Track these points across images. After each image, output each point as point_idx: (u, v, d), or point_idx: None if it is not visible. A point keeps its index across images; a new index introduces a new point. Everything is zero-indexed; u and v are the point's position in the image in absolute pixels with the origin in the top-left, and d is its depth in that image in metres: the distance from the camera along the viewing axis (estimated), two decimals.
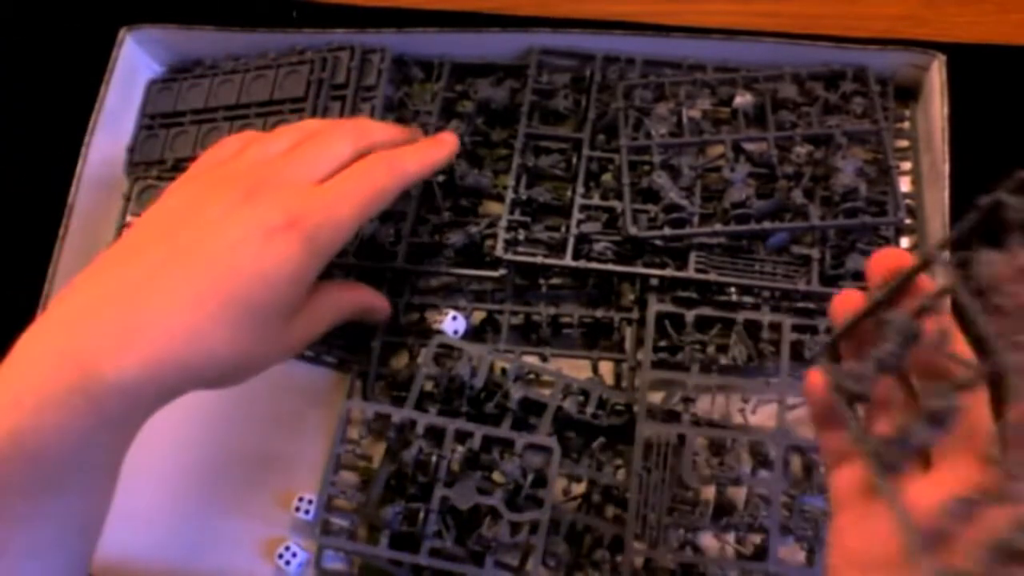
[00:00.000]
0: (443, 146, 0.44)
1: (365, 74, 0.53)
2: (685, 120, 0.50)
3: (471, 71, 0.55)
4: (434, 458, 0.42)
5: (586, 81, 0.53)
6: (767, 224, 0.47)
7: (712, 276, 0.46)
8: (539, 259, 0.48)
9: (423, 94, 0.54)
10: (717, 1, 0.60)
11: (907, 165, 0.51)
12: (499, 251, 0.48)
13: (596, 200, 0.50)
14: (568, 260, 0.48)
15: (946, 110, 0.49)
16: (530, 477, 0.42)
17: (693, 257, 0.47)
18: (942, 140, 0.49)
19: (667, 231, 0.47)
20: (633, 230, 0.47)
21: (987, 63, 0.55)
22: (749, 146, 0.49)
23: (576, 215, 0.49)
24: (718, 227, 0.47)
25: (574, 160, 0.51)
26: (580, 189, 0.49)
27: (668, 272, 0.47)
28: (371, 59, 0.53)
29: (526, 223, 0.50)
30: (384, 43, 0.53)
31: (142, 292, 0.34)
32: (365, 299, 0.45)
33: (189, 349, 0.34)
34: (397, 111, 0.54)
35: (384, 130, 0.43)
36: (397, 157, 0.41)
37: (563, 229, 0.49)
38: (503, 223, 0.49)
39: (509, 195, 0.49)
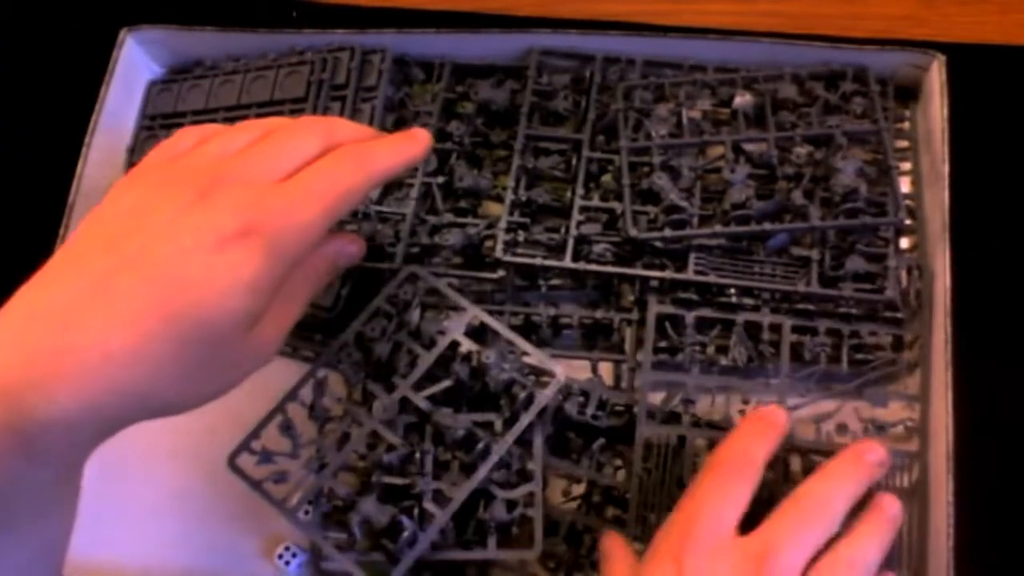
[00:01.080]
0: (416, 142, 0.39)
1: (365, 75, 0.53)
2: (685, 121, 0.50)
3: (471, 72, 0.55)
4: (418, 454, 0.43)
5: (586, 82, 0.53)
6: (767, 225, 0.47)
7: (712, 278, 0.46)
8: (538, 260, 0.48)
9: (423, 95, 0.54)
10: (717, 1, 0.60)
11: (907, 165, 0.51)
12: (498, 252, 0.48)
13: (596, 201, 0.50)
14: (567, 262, 0.48)
15: (946, 110, 0.49)
16: (516, 454, 0.42)
17: (693, 259, 0.47)
18: (942, 140, 0.49)
19: (667, 232, 0.47)
20: (633, 231, 0.47)
21: (987, 63, 0.55)
22: (749, 147, 0.49)
23: (576, 216, 0.49)
24: (718, 228, 0.47)
25: (574, 161, 0.51)
26: (580, 190, 0.49)
27: (667, 274, 0.47)
28: (371, 60, 0.53)
29: (526, 224, 0.50)
30: (384, 43, 0.53)
31: (79, 310, 0.30)
32: (336, 249, 0.40)
33: (130, 375, 0.30)
34: (397, 111, 0.54)
35: (354, 128, 0.39)
36: (366, 152, 0.37)
37: (563, 231, 0.49)
38: (502, 224, 0.49)
39: (509, 196, 0.49)
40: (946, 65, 0.50)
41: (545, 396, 0.43)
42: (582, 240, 0.48)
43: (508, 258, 0.48)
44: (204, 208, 0.32)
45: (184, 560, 0.48)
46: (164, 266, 0.31)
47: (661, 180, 0.48)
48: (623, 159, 0.49)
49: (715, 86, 0.52)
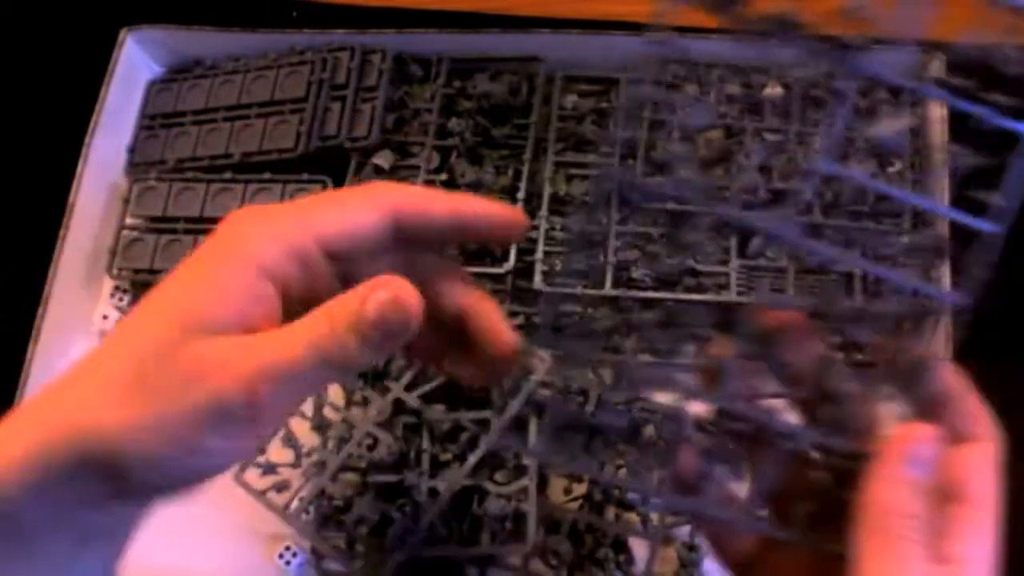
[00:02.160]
0: None
1: (365, 74, 0.53)
2: (712, 101, 0.50)
3: (470, 67, 0.55)
4: (412, 453, 0.43)
5: (611, 104, 0.53)
6: (771, 215, 0.46)
7: (752, 299, 0.46)
8: (579, 290, 0.48)
9: (422, 93, 0.54)
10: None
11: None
12: (537, 284, 0.48)
13: (631, 227, 0.49)
14: (608, 290, 0.47)
15: (946, 110, 0.49)
16: (512, 450, 0.42)
17: (734, 277, 0.47)
18: (942, 140, 0.49)
19: (670, 205, 0.47)
20: (635, 198, 0.47)
21: (987, 63, 0.55)
22: (770, 137, 0.50)
23: (613, 243, 0.48)
24: (720, 208, 0.47)
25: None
26: (615, 216, 0.49)
27: (710, 297, 0.47)
28: (372, 59, 0.53)
29: (562, 253, 0.50)
30: (384, 43, 0.53)
31: None
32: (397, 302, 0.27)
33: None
34: (397, 111, 0.54)
35: None
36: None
37: (600, 258, 0.49)
38: (539, 255, 0.49)
39: (543, 225, 0.49)
40: (946, 65, 0.50)
41: (533, 382, 0.43)
42: (620, 267, 0.48)
43: (548, 289, 0.48)
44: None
45: (184, 560, 0.48)
46: None
47: (674, 147, 0.48)
48: (643, 127, 0.49)
49: (748, 72, 0.52)
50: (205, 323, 0.25)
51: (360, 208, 0.28)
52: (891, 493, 0.27)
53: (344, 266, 0.28)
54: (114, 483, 0.26)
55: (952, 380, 0.30)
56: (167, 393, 0.25)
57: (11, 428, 0.26)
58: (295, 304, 0.27)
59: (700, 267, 0.47)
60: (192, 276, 0.27)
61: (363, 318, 0.25)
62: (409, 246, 0.30)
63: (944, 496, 0.28)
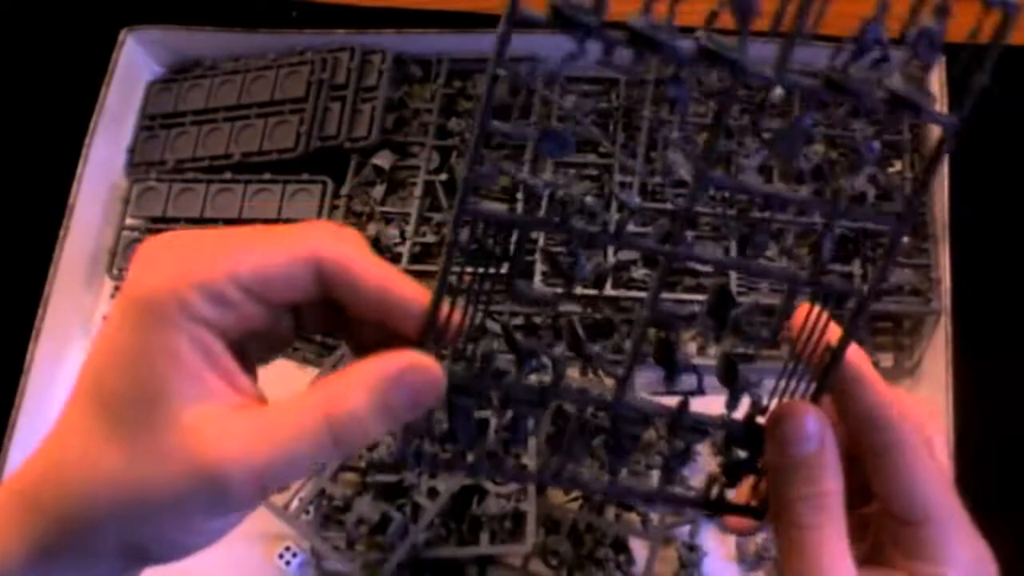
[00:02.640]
0: None
1: (365, 75, 0.53)
2: (712, 102, 0.51)
3: (469, 67, 0.55)
4: (412, 453, 0.43)
5: (611, 104, 0.53)
6: (770, 214, 0.47)
7: (753, 298, 0.46)
8: (580, 290, 0.48)
9: (422, 93, 0.54)
10: (717, 1, 0.60)
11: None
12: (537, 284, 0.48)
13: (632, 227, 0.49)
14: (609, 290, 0.47)
15: (946, 110, 0.49)
16: (511, 450, 0.42)
17: (735, 276, 0.47)
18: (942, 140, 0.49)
19: (670, 206, 0.47)
20: (637, 200, 0.47)
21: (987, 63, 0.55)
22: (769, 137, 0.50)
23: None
24: (720, 209, 0.47)
25: (605, 188, 0.51)
26: (614, 217, 0.49)
27: (705, 298, 0.47)
28: (372, 60, 0.53)
29: (563, 253, 0.50)
30: (384, 43, 0.53)
31: None
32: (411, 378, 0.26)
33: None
34: (398, 111, 0.54)
35: None
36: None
37: (601, 258, 0.49)
38: (538, 256, 0.49)
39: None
40: (946, 65, 0.50)
41: (529, 380, 0.43)
42: (620, 267, 0.48)
43: (547, 289, 0.48)
44: None
45: (185, 560, 0.48)
46: None
47: (674, 154, 0.48)
48: (643, 128, 0.50)
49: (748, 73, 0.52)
50: (174, 391, 0.24)
51: (281, 250, 0.25)
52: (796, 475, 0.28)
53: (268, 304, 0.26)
54: (108, 556, 0.25)
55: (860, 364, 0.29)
56: (153, 458, 0.24)
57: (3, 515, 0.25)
58: (233, 335, 0.25)
59: (699, 267, 0.47)
60: (134, 340, 0.24)
61: (389, 404, 0.25)
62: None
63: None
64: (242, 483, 0.23)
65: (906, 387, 0.47)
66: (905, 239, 0.48)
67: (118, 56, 0.55)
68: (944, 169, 0.48)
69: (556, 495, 0.46)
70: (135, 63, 0.57)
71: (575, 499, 0.46)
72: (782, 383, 0.30)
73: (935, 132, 0.49)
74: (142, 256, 0.25)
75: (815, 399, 0.29)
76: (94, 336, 0.23)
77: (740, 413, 0.30)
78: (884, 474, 0.28)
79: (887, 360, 0.48)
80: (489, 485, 0.42)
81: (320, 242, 0.26)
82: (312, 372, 0.50)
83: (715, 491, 0.31)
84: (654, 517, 0.44)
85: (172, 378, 0.24)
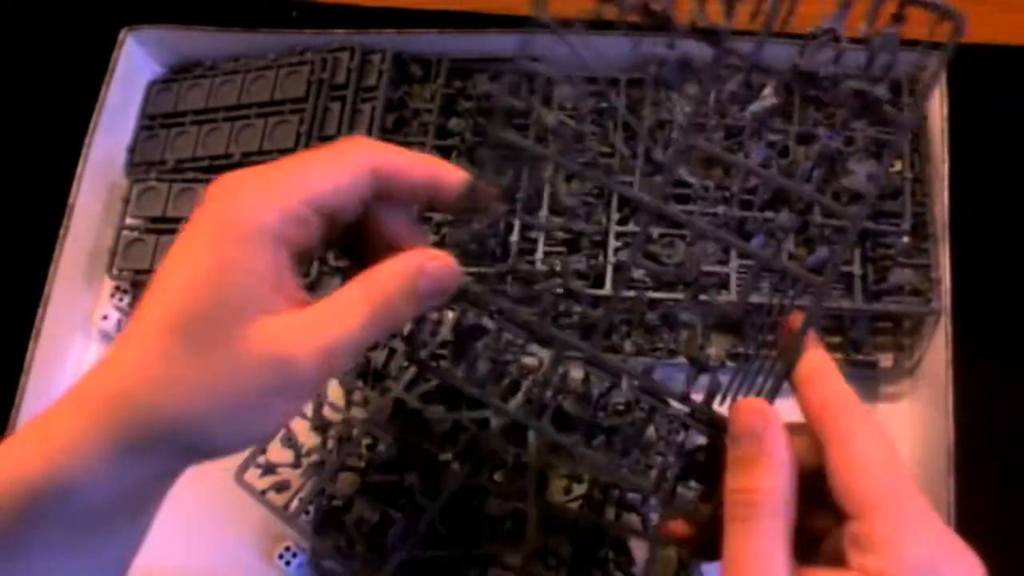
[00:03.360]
0: None
1: (366, 74, 0.53)
2: (712, 101, 0.51)
3: (469, 67, 0.55)
4: (412, 453, 0.43)
5: (611, 104, 0.53)
6: (770, 213, 0.47)
7: (756, 299, 0.46)
8: (580, 291, 0.48)
9: (422, 93, 0.54)
10: (717, 1, 0.59)
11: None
12: (537, 284, 0.48)
13: (631, 227, 0.49)
14: (608, 290, 0.47)
15: (946, 110, 0.49)
16: (511, 450, 0.42)
17: (735, 278, 0.47)
18: (941, 140, 0.49)
19: (671, 205, 0.47)
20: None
21: (987, 63, 0.55)
22: (769, 136, 0.50)
23: (612, 243, 0.48)
24: (721, 209, 0.47)
25: (605, 188, 0.51)
26: (615, 216, 0.49)
27: (710, 297, 0.46)
28: (372, 60, 0.53)
29: (562, 253, 0.50)
30: (384, 43, 0.53)
31: None
32: (417, 265, 0.31)
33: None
34: (397, 111, 0.54)
35: None
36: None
37: (600, 258, 0.49)
38: (539, 255, 0.49)
39: (543, 225, 0.49)
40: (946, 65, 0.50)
41: (532, 382, 0.43)
42: (620, 267, 0.48)
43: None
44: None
45: (185, 560, 0.48)
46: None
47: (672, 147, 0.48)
48: (642, 128, 0.49)
49: (749, 70, 0.52)
50: (252, 303, 0.27)
51: (345, 166, 0.30)
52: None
53: (328, 219, 0.30)
54: (178, 454, 0.28)
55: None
56: (231, 366, 0.27)
57: (68, 412, 0.27)
58: (294, 260, 0.29)
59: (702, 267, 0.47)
60: (217, 260, 0.27)
61: (417, 290, 0.30)
62: (382, 200, 0.32)
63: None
64: (309, 365, 0.27)
65: (906, 387, 0.47)
66: (905, 238, 0.48)
67: (118, 56, 0.55)
68: (944, 169, 0.48)
69: (556, 494, 0.46)
70: (135, 63, 0.57)
71: (575, 499, 0.46)
72: (743, 375, 0.30)
73: (935, 131, 0.49)
74: (217, 191, 0.28)
75: (774, 389, 0.29)
76: (163, 263, 0.27)
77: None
78: (832, 466, 0.28)
79: (887, 360, 0.48)
80: (489, 485, 0.42)
81: (373, 154, 0.30)
82: None
83: (668, 482, 0.31)
84: (654, 517, 0.44)
85: (254, 293, 0.27)
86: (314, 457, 0.45)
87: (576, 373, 0.43)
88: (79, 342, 0.53)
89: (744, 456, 0.29)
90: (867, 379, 0.47)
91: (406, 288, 0.30)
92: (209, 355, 0.26)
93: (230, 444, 0.29)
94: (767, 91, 0.51)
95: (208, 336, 0.27)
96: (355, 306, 0.29)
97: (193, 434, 0.27)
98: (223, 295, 0.27)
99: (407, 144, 0.53)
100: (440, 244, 0.50)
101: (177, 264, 0.27)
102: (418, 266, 0.30)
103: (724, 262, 0.47)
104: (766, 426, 0.29)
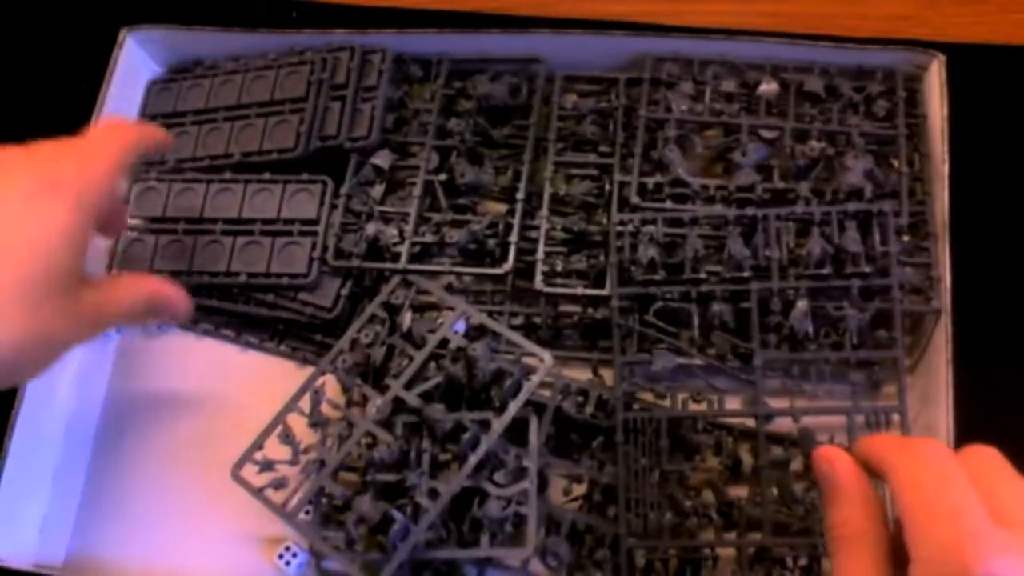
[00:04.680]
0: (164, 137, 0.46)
1: (365, 74, 0.53)
2: (707, 99, 0.50)
3: (469, 68, 0.55)
4: (413, 453, 0.43)
5: (611, 104, 0.53)
6: (768, 210, 0.46)
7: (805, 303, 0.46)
8: (579, 290, 0.48)
9: (422, 93, 0.54)
10: (717, 1, 0.60)
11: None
12: (538, 284, 0.48)
13: (632, 227, 0.49)
14: (608, 289, 0.47)
15: (946, 110, 0.49)
16: (512, 452, 0.42)
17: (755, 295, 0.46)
18: (941, 140, 0.49)
19: (668, 204, 0.47)
20: (636, 200, 0.47)
21: (987, 63, 0.55)
22: (766, 134, 0.50)
23: (614, 242, 0.48)
24: (719, 208, 0.47)
25: (606, 187, 0.51)
26: (615, 217, 0.49)
27: (720, 308, 0.46)
28: (372, 60, 0.53)
29: (563, 253, 0.49)
30: (384, 43, 0.53)
31: None
32: (163, 290, 0.43)
33: None
34: (397, 111, 0.54)
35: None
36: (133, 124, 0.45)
37: (601, 258, 0.49)
38: (539, 255, 0.48)
39: (543, 225, 0.49)
40: (946, 65, 0.50)
41: (533, 382, 0.43)
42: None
43: (548, 289, 0.48)
44: (5, 177, 0.37)
45: (185, 560, 0.48)
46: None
47: (672, 153, 0.48)
48: (640, 127, 0.50)
49: (743, 69, 0.52)
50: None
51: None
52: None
53: None
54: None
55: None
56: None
57: None
58: None
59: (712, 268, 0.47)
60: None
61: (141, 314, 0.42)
62: None
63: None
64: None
65: (906, 386, 0.47)
66: (905, 237, 0.48)
67: (118, 56, 0.55)
68: (944, 168, 0.48)
69: (556, 495, 0.46)
70: (135, 63, 0.57)
71: (574, 499, 0.46)
72: None
73: (935, 131, 0.49)
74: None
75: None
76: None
77: None
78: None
79: (887, 360, 0.48)
80: (490, 487, 0.42)
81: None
82: (310, 371, 0.50)
83: None
84: (652, 517, 0.44)
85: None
86: (312, 455, 0.45)
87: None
88: None
89: (824, 498, 0.32)
90: (867, 379, 0.47)
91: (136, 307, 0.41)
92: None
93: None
94: (765, 81, 0.51)
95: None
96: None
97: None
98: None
99: (407, 144, 0.53)
100: (440, 243, 0.50)
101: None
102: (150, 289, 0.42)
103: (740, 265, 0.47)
104: (833, 468, 0.32)
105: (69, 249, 0.37)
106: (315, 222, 0.50)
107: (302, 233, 0.50)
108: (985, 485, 0.27)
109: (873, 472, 0.31)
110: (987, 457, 0.29)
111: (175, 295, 0.44)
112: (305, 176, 0.52)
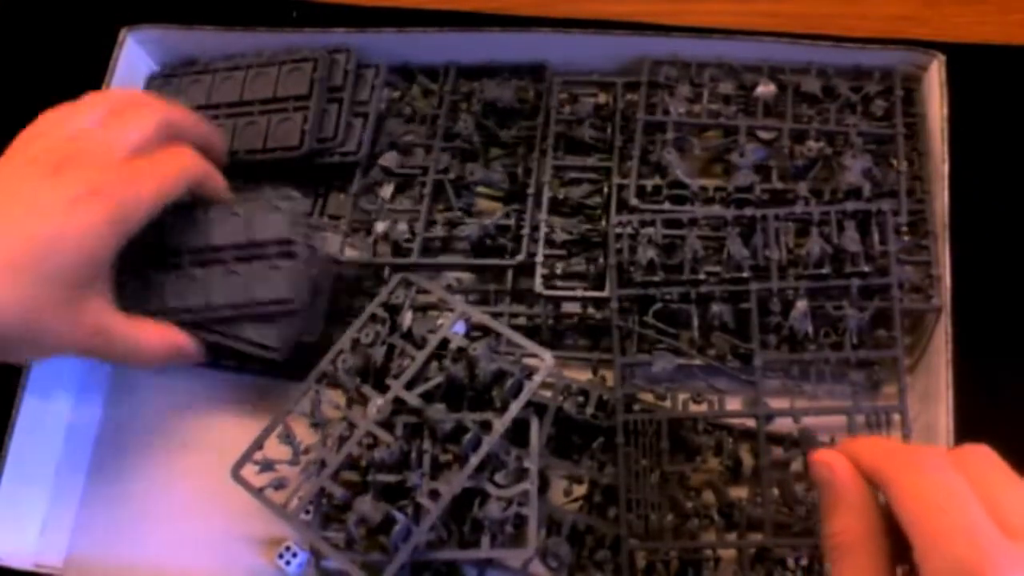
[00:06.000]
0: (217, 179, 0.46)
1: (359, 88, 0.53)
2: (705, 101, 0.50)
3: (476, 72, 0.55)
4: (413, 453, 0.43)
5: (609, 108, 0.53)
6: (767, 210, 0.46)
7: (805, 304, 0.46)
8: (579, 293, 0.48)
9: (430, 97, 0.54)
10: (717, 1, 0.60)
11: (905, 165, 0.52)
12: (537, 287, 0.48)
13: (631, 229, 0.49)
14: (608, 292, 0.47)
15: (946, 110, 0.49)
16: (513, 453, 0.42)
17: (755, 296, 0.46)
18: (941, 140, 0.49)
19: (667, 206, 0.47)
20: (635, 202, 0.47)
21: (987, 63, 0.55)
22: (763, 135, 0.50)
23: (613, 245, 0.48)
24: (717, 209, 0.47)
25: (605, 190, 0.51)
26: (614, 219, 0.48)
27: (720, 308, 0.46)
28: (365, 74, 0.53)
29: (563, 256, 0.49)
30: (384, 43, 0.53)
31: None
32: (177, 341, 0.45)
33: None
34: (402, 113, 0.54)
35: (187, 116, 0.45)
36: (200, 158, 0.44)
37: (600, 260, 0.48)
38: (539, 258, 0.48)
39: (543, 229, 0.49)
40: (946, 65, 0.50)
41: (535, 383, 0.43)
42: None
43: (547, 292, 0.48)
44: (57, 177, 0.39)
45: (186, 560, 0.48)
46: (18, 220, 0.38)
47: (670, 155, 0.48)
48: (638, 130, 0.50)
49: (740, 71, 0.52)
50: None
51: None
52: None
53: None
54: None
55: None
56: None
57: None
58: None
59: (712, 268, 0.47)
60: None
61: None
62: None
63: None
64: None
65: (906, 385, 0.47)
66: (905, 236, 0.48)
67: (118, 56, 0.55)
68: (944, 167, 0.48)
69: (556, 496, 0.46)
70: (135, 63, 0.57)
71: (575, 500, 0.46)
72: None
73: (935, 130, 0.49)
74: None
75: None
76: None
77: None
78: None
79: (887, 359, 0.48)
80: (491, 488, 0.42)
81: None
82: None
83: None
84: (653, 518, 0.44)
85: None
86: (313, 455, 0.45)
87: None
88: None
89: (823, 504, 0.31)
90: (867, 378, 0.47)
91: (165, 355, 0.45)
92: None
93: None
94: (762, 83, 0.51)
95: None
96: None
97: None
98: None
99: (412, 146, 0.53)
100: (447, 241, 0.50)
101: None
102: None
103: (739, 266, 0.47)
104: (832, 474, 0.31)
105: (89, 255, 0.39)
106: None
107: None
108: (985, 492, 0.27)
109: (869, 480, 0.31)
110: (983, 459, 0.29)
111: (187, 347, 0.45)
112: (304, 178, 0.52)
